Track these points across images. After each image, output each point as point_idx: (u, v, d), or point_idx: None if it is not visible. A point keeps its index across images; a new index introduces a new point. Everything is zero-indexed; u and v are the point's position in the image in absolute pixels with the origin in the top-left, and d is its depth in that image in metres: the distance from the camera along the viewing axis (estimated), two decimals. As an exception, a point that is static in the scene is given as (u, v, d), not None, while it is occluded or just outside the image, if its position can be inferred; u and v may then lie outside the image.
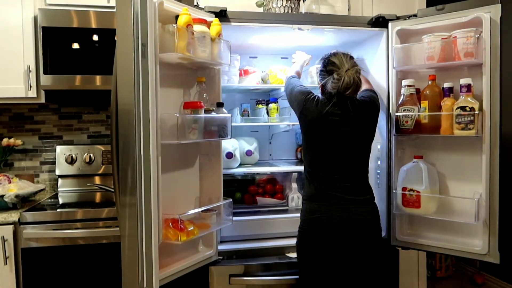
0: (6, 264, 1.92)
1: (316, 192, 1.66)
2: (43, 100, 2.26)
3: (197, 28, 1.59)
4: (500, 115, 1.64)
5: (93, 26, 2.19)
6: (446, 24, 1.77)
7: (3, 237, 1.91)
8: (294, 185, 2.19)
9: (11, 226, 1.92)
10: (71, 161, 2.52)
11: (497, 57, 1.63)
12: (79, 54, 2.20)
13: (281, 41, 2.20)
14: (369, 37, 2.08)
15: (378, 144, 2.06)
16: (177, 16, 1.55)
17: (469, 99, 1.67)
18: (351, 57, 1.67)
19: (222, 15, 1.79)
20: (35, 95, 2.23)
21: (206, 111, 1.65)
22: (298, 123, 1.75)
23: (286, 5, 2.07)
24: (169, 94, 1.62)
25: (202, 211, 1.65)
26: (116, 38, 1.40)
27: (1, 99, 2.22)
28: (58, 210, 2.03)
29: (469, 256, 1.78)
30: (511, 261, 1.77)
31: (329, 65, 1.66)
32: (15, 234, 1.93)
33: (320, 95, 1.72)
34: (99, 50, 2.21)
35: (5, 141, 2.40)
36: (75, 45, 2.19)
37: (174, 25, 1.49)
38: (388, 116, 1.95)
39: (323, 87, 1.71)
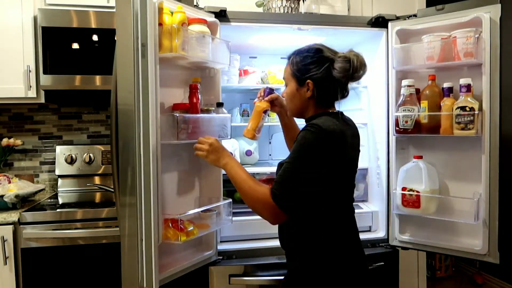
0: (6, 264, 1.92)
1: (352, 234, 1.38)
2: (42, 100, 2.26)
3: (196, 28, 1.59)
4: (500, 115, 1.64)
5: (93, 26, 2.20)
6: (446, 24, 1.77)
7: (3, 237, 1.91)
8: (294, 185, 2.19)
9: (11, 226, 1.92)
10: (70, 161, 2.52)
11: (497, 57, 1.63)
12: (79, 54, 2.20)
13: (280, 41, 2.19)
14: (369, 37, 2.07)
15: (378, 144, 2.06)
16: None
17: (468, 99, 1.67)
18: None
19: (221, 15, 1.79)
20: (35, 95, 2.23)
21: (206, 111, 1.65)
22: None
23: (286, 5, 2.06)
24: (169, 94, 1.62)
25: (202, 211, 1.65)
26: (116, 38, 1.40)
27: (1, 99, 2.23)
28: (58, 210, 2.03)
29: (469, 256, 1.78)
30: (511, 261, 1.77)
31: (319, 53, 1.30)
32: (15, 234, 1.93)
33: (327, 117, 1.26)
34: (98, 50, 2.21)
35: (5, 141, 2.40)
36: (75, 45, 2.19)
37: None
38: (388, 116, 1.95)
39: (322, 80, 1.28)
